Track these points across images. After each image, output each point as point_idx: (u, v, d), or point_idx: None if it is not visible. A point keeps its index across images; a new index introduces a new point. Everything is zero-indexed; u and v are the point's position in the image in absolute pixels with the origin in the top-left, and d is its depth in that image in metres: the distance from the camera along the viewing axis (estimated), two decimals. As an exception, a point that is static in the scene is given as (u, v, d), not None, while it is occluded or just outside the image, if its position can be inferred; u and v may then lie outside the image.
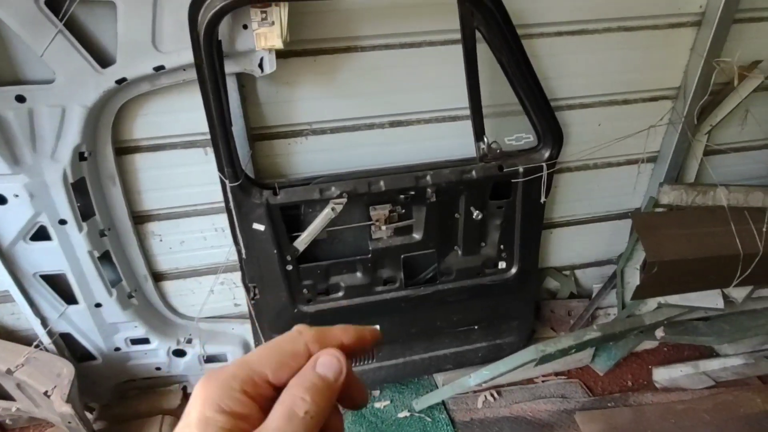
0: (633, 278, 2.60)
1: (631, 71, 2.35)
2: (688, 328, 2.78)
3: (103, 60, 1.77)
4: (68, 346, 2.36)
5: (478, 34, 1.91)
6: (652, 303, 2.65)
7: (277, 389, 0.39)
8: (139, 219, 2.27)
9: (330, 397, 0.39)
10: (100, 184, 2.08)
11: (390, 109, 2.24)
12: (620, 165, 2.63)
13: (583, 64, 2.30)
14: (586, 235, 2.84)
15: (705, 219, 2.45)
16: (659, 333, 2.65)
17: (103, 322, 2.33)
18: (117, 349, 2.45)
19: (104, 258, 2.19)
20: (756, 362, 2.85)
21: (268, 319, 2.31)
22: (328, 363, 0.40)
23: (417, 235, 2.25)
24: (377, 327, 0.48)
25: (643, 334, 2.71)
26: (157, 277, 2.44)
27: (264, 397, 0.38)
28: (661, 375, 2.80)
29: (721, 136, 2.58)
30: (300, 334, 0.41)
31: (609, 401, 2.68)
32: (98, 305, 2.26)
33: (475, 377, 2.42)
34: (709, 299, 2.61)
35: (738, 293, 2.63)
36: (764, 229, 2.41)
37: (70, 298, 2.22)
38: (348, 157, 2.28)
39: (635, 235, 2.52)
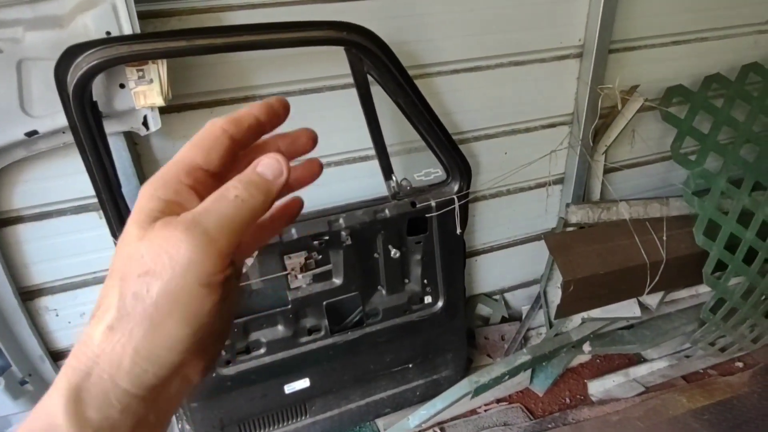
0: (555, 297, 2.68)
1: (527, 101, 2.49)
2: (614, 339, 2.89)
3: (-36, 129, 1.62)
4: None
5: (371, 78, 1.94)
6: (576, 319, 2.74)
7: (217, 181, 0.40)
8: (28, 295, 2.05)
9: (266, 192, 0.39)
10: (-26, 261, 1.87)
11: (297, 155, 2.21)
12: (531, 189, 2.74)
13: (483, 98, 2.41)
14: (510, 258, 2.91)
15: (611, 233, 2.59)
16: (587, 347, 2.73)
17: (-10, 417, 2.05)
18: (11, 441, 2.16)
19: (-13, 343, 1.95)
20: (679, 363, 3.00)
21: (186, 388, 2.13)
22: (267, 164, 0.40)
23: (337, 280, 2.20)
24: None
25: (574, 350, 2.78)
26: (56, 355, 2.20)
27: (203, 184, 0.40)
28: (596, 387, 2.87)
29: (616, 154, 2.77)
30: (211, 122, 0.42)
31: (549, 422, 2.69)
32: (-19, 399, 1.99)
33: (413, 418, 2.35)
34: (627, 309, 2.73)
35: (652, 300, 2.78)
36: (664, 238, 2.59)
37: (-56, 395, 1.95)
38: (258, 206, 2.21)
39: (551, 256, 2.62)
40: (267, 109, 0.44)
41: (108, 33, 1.53)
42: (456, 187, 2.25)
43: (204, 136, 0.41)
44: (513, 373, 2.45)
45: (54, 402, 0.35)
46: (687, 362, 2.99)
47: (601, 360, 3.08)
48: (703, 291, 2.94)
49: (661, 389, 2.85)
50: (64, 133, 1.72)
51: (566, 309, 2.51)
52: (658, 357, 3.00)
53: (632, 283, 2.60)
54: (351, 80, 2.09)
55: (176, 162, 0.40)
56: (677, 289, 2.90)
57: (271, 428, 2.35)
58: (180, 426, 2.36)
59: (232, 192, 0.38)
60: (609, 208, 2.64)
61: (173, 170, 0.39)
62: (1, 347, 1.99)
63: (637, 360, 3.05)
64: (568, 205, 2.63)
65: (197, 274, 0.35)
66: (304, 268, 2.11)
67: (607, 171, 2.76)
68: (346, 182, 2.32)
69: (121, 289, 0.35)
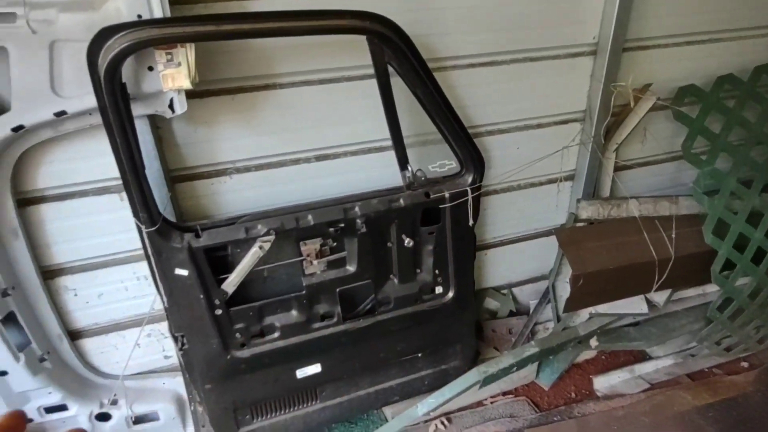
0: (564, 291, 2.71)
1: (540, 97, 2.52)
2: (620, 335, 2.92)
3: (-4, 107, 1.66)
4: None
5: (391, 69, 1.97)
6: (584, 314, 2.77)
7: None
8: (49, 274, 2.10)
9: None
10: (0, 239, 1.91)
11: (315, 144, 2.25)
12: (542, 185, 2.77)
13: (497, 93, 2.44)
14: (519, 253, 2.94)
15: (621, 230, 2.62)
16: (593, 342, 2.75)
17: (9, 393, 2.09)
18: (29, 420, 2.20)
19: (8, 320, 1.99)
20: (684, 361, 3.02)
21: (200, 369, 2.17)
22: None
23: (351, 267, 2.23)
24: None
25: (580, 345, 2.81)
26: (74, 335, 2.24)
27: None
28: (601, 383, 2.89)
29: (627, 152, 2.80)
30: None
31: (555, 415, 2.72)
32: (3, 374, 2.03)
33: (422, 406, 2.38)
34: (635, 305, 2.76)
35: (659, 297, 2.80)
36: (673, 236, 2.61)
37: (-33, 369, 1.99)
38: (275, 193, 2.25)
39: (561, 251, 2.65)
40: None
41: (139, 16, 1.57)
42: (470, 179, 2.28)
43: None
44: (521, 364, 2.48)
45: None
46: (692, 361, 3.01)
47: (606, 356, 3.10)
48: (711, 290, 2.96)
49: (666, 386, 2.87)
50: (90, 114, 1.77)
51: (575, 303, 2.54)
52: (664, 355, 3.02)
53: (640, 280, 2.63)
54: (369, 71, 2.13)
55: None
56: (685, 288, 2.92)
57: (282, 412, 2.38)
58: (193, 407, 2.40)
59: None
60: (619, 205, 2.66)
61: None
62: (23, 324, 2.03)
63: (643, 357, 3.07)
64: (578, 201, 2.66)
65: None
66: (319, 255, 2.14)
67: (618, 168, 2.78)
68: (361, 172, 2.35)
69: None
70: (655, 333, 2.86)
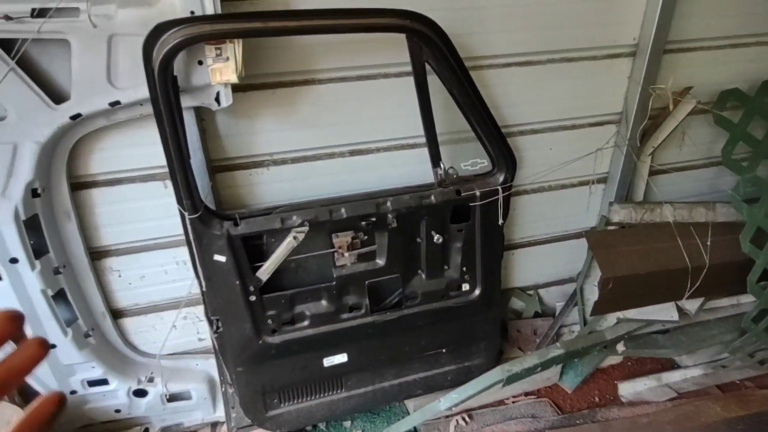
0: (592, 295, 2.69)
1: (575, 98, 2.50)
2: (648, 342, 2.87)
3: (57, 96, 1.77)
4: (18, 391, 2.24)
5: (428, 67, 2.00)
6: (611, 318, 2.74)
7: None
8: (97, 255, 2.22)
9: None
10: (54, 220, 2.04)
11: (349, 139, 2.30)
12: (573, 186, 2.76)
13: (532, 93, 2.44)
14: (547, 254, 2.93)
15: (654, 235, 2.58)
16: (620, 347, 2.72)
17: (57, 364, 2.23)
18: (73, 392, 2.34)
19: (59, 296, 2.12)
20: (714, 372, 2.95)
21: (233, 353, 2.26)
22: None
23: (380, 261, 2.28)
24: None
25: (606, 350, 2.78)
26: (116, 314, 2.37)
27: None
28: (626, 389, 2.86)
29: (664, 156, 2.75)
30: None
31: (577, 418, 2.70)
32: (53, 346, 2.17)
33: (445, 401, 2.41)
34: (665, 312, 2.71)
35: (691, 305, 2.75)
36: (708, 243, 2.56)
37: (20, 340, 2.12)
38: (310, 186, 2.31)
39: (591, 254, 2.63)
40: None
41: (192, 12, 1.65)
42: (501, 178, 2.29)
43: None
44: (545, 365, 2.48)
45: None
46: (723, 372, 2.94)
47: (632, 362, 3.06)
48: (746, 301, 2.89)
49: (694, 397, 2.81)
50: (141, 105, 1.86)
51: (603, 307, 2.52)
52: (693, 364, 2.96)
53: (672, 287, 2.59)
54: (405, 69, 2.17)
55: None
56: (718, 297, 2.85)
57: (308, 398, 2.46)
58: (224, 389, 2.50)
59: None
60: (653, 209, 2.62)
61: None
62: (71, 300, 2.16)
63: (671, 365, 3.02)
64: (611, 204, 2.63)
65: None
66: (351, 247, 2.20)
67: (653, 172, 2.74)
68: (394, 168, 2.40)
69: None
70: (685, 342, 2.81)
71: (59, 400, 0.44)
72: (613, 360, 3.02)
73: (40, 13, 1.60)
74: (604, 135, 2.63)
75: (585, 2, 2.27)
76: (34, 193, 1.90)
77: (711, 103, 2.56)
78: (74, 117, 1.79)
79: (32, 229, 1.95)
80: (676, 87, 2.47)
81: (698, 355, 2.94)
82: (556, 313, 3.00)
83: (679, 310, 2.75)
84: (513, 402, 2.82)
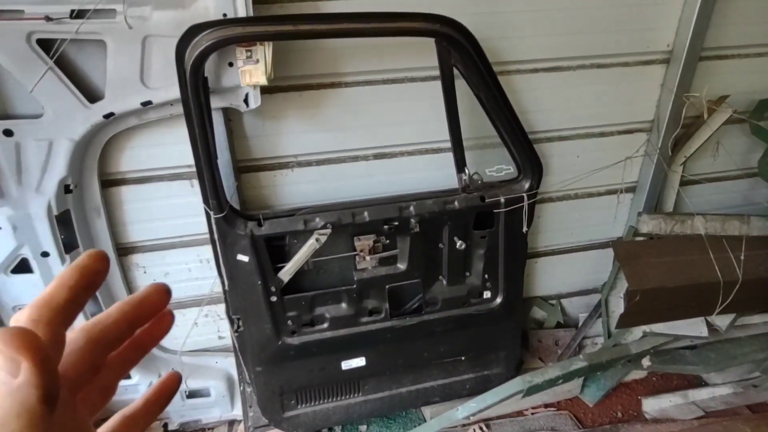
0: (617, 307, 2.62)
1: (605, 105, 2.45)
2: (674, 357, 2.78)
3: (92, 95, 1.81)
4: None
5: (456, 71, 1.99)
6: (637, 332, 2.66)
7: None
8: (123, 251, 2.26)
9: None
10: (84, 216, 2.08)
11: (374, 142, 2.30)
12: (600, 195, 2.69)
13: (560, 99, 2.39)
14: (571, 264, 2.87)
15: (684, 247, 2.50)
16: (646, 362, 2.64)
17: (82, 357, 2.27)
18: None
19: (86, 290, 2.17)
20: (745, 391, 2.84)
21: (252, 352, 2.27)
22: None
23: (402, 266, 2.26)
24: None
25: (630, 364, 2.70)
26: (140, 309, 2.40)
27: None
28: (651, 405, 2.77)
29: (696, 167, 2.67)
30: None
31: (599, 433, 2.63)
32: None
33: (463, 410, 2.38)
34: (694, 327, 2.62)
35: (721, 321, 2.65)
36: (742, 257, 2.46)
37: (49, 332, 2.18)
38: (333, 188, 2.32)
39: (617, 264, 2.56)
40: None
41: (225, 15, 1.68)
42: (526, 186, 2.25)
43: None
44: (567, 377, 2.42)
45: None
46: (754, 392, 2.82)
47: (658, 378, 2.97)
48: (780, 318, 2.77)
49: (722, 416, 2.71)
50: (172, 105, 1.89)
51: (629, 319, 2.45)
52: (722, 382, 2.86)
53: (702, 301, 2.50)
54: (432, 73, 2.16)
55: None
56: (751, 313, 2.74)
57: (325, 400, 2.46)
58: (242, 388, 2.52)
59: None
60: (683, 221, 2.54)
61: None
62: (98, 295, 2.21)
63: (698, 383, 2.92)
64: (639, 214, 2.56)
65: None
66: (372, 251, 2.19)
67: (684, 183, 2.66)
68: (418, 172, 2.38)
69: None
70: (714, 359, 2.71)
71: (179, 379, 0.49)
72: (637, 374, 2.93)
73: (78, 14, 1.64)
74: (634, 143, 2.56)
75: (618, 8, 2.22)
76: (67, 189, 1.95)
77: (747, 112, 2.47)
78: (107, 116, 1.83)
79: (63, 224, 2.00)
80: (711, 95, 2.39)
81: (728, 373, 2.83)
82: (579, 324, 2.93)
83: (709, 325, 2.65)
84: (532, 413, 2.76)
